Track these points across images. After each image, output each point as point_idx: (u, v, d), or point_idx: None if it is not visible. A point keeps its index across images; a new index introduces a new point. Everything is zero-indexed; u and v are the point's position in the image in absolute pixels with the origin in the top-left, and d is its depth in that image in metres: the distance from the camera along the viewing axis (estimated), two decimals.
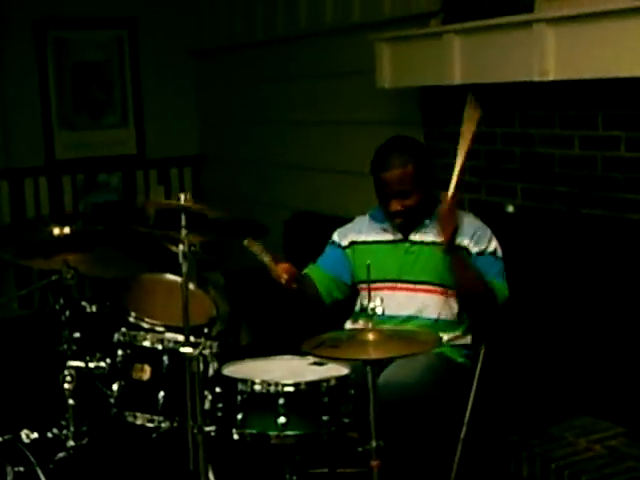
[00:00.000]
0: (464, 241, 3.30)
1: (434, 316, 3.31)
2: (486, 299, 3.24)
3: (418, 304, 3.32)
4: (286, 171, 5.77)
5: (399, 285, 3.33)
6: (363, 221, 3.51)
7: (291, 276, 3.19)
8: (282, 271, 3.17)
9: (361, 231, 3.49)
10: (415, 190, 3.30)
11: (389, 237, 3.42)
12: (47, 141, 6.42)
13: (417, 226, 3.38)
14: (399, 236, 3.40)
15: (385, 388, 3.09)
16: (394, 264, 3.36)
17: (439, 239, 3.28)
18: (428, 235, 3.36)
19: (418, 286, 3.33)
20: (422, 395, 3.14)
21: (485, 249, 3.31)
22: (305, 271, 3.49)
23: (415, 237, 3.38)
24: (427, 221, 3.37)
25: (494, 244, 3.34)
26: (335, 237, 3.55)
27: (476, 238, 3.32)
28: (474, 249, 3.30)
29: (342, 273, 3.50)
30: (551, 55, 3.51)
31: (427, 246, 3.34)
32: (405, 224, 3.38)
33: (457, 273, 3.22)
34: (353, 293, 3.51)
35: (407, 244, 3.38)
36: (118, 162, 6.59)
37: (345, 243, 3.51)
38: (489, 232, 3.38)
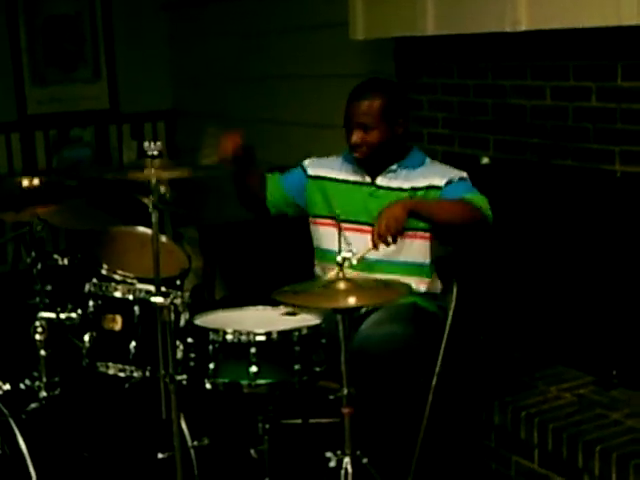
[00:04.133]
0: (432, 181, 3.31)
1: (401, 259, 3.32)
2: (473, 214, 3.19)
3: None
4: (261, 125, 5.73)
5: (364, 227, 3.28)
6: (337, 160, 3.52)
7: (227, 151, 3.35)
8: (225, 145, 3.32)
9: (332, 168, 3.49)
10: (378, 126, 3.29)
11: (356, 178, 3.43)
12: (19, 96, 6.35)
13: (384, 170, 3.38)
14: (366, 179, 3.41)
15: (369, 340, 3.13)
16: (358, 205, 3.36)
17: (405, 184, 3.31)
18: (394, 180, 3.36)
19: None
20: (405, 346, 3.18)
21: (452, 177, 3.31)
22: (267, 176, 3.57)
23: (382, 182, 3.38)
24: (394, 166, 3.37)
25: (460, 171, 3.34)
26: (306, 162, 3.57)
27: (442, 173, 3.33)
28: (442, 182, 3.29)
29: (297, 195, 3.54)
30: (523, 5, 3.51)
31: (393, 191, 3.34)
32: (367, 163, 3.37)
33: (432, 217, 3.17)
34: (304, 221, 3.54)
35: (373, 188, 3.38)
36: (91, 117, 6.54)
37: (312, 173, 3.52)
38: (449, 167, 3.40)
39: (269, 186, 3.56)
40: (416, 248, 3.33)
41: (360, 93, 3.35)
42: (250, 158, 3.47)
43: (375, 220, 3.05)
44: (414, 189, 3.32)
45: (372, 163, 3.38)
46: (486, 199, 3.25)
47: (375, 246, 3.01)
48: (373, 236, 3.01)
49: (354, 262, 2.78)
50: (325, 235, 3.44)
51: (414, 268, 3.33)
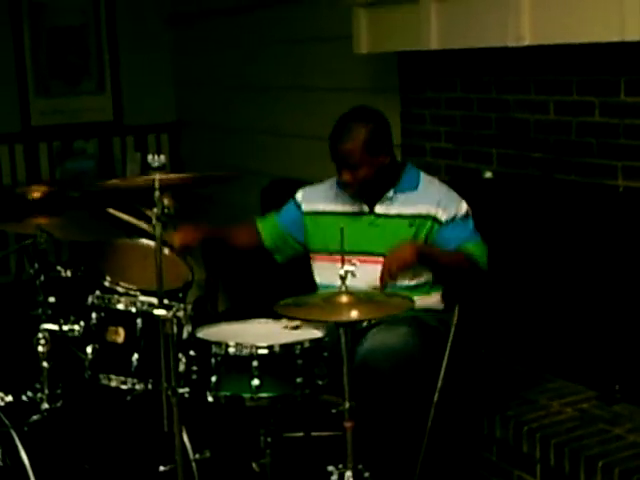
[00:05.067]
0: (431, 210, 3.31)
1: (404, 284, 3.31)
2: (471, 269, 3.25)
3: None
4: (264, 138, 5.76)
5: (366, 258, 3.25)
6: (331, 186, 3.49)
7: (185, 242, 3.31)
8: (177, 237, 3.27)
9: (327, 199, 3.47)
10: (365, 163, 3.28)
11: (353, 209, 3.41)
12: (23, 108, 6.37)
13: (381, 197, 3.37)
14: (364, 208, 3.40)
15: (373, 354, 3.13)
16: (358, 236, 3.31)
17: (404, 210, 3.32)
18: (392, 207, 3.36)
19: (383, 258, 3.27)
20: (408, 359, 3.18)
21: (455, 214, 3.31)
22: (259, 223, 3.59)
23: (380, 209, 3.38)
24: (391, 192, 3.36)
25: (463, 206, 3.35)
26: (299, 197, 3.56)
27: (443, 205, 3.32)
28: (443, 217, 3.30)
29: (295, 231, 3.54)
30: (526, 20, 3.51)
31: (392, 219, 3.35)
32: (362, 195, 3.38)
33: (436, 264, 3.25)
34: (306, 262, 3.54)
35: (372, 217, 3.38)
36: (95, 129, 6.55)
37: (305, 208, 3.51)
38: (455, 195, 3.38)
39: (264, 233, 3.57)
40: (415, 273, 3.33)
41: (340, 133, 3.32)
42: (214, 240, 3.57)
43: (383, 255, 3.16)
44: (413, 217, 3.32)
45: (367, 193, 3.38)
46: (485, 247, 3.30)
47: (384, 286, 3.09)
48: (383, 275, 3.08)
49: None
50: (322, 270, 3.43)
51: (416, 286, 3.33)
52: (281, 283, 4.49)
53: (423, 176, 3.43)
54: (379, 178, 3.34)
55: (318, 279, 3.47)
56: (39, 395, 3.01)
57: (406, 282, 3.29)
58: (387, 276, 3.09)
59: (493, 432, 3.52)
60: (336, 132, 3.34)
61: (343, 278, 2.74)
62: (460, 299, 3.35)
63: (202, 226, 3.51)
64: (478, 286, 3.39)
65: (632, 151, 3.42)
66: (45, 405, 3.00)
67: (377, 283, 3.15)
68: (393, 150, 3.42)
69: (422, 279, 3.34)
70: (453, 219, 3.31)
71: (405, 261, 3.11)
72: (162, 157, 2.77)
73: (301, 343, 2.84)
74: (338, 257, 2.79)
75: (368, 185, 3.34)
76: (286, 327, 2.98)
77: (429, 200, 3.33)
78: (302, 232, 3.53)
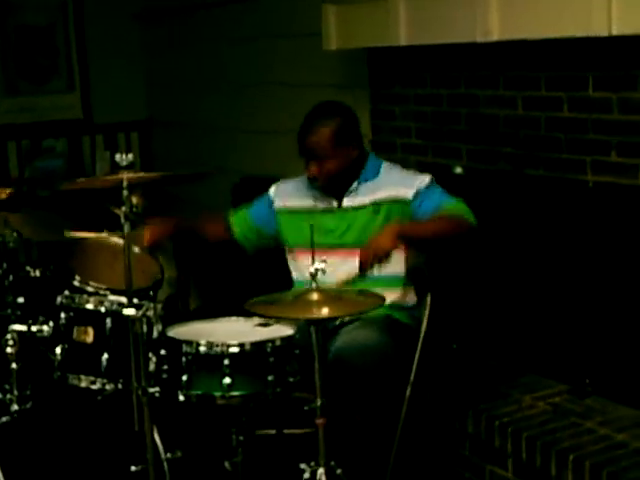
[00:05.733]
0: (392, 192, 3.31)
1: (374, 275, 3.32)
2: (459, 226, 3.21)
3: (355, 267, 3.32)
4: (234, 135, 5.74)
5: (335, 251, 3.29)
6: (303, 182, 3.48)
7: (154, 238, 3.36)
8: (146, 234, 3.31)
9: (299, 196, 3.47)
10: (332, 156, 3.29)
11: (323, 204, 3.42)
12: None
13: (346, 190, 3.38)
14: (333, 203, 3.40)
15: (346, 351, 3.12)
16: (328, 231, 3.34)
17: (366, 199, 3.33)
18: (356, 198, 3.36)
19: (354, 249, 3.27)
20: (381, 356, 3.18)
21: (419, 187, 3.31)
22: (231, 217, 3.59)
23: (347, 203, 3.38)
24: (355, 184, 3.37)
25: (425, 177, 3.35)
26: (271, 192, 3.56)
27: (404, 184, 3.32)
28: (408, 194, 3.30)
29: (267, 226, 3.55)
30: (495, 16, 3.52)
31: (357, 210, 3.35)
32: (330, 188, 3.38)
33: (420, 239, 3.23)
34: (281, 250, 3.54)
35: (340, 211, 3.38)
36: (64, 127, 6.50)
37: (277, 204, 3.52)
38: (413, 172, 3.43)
39: (235, 226, 3.58)
40: (392, 261, 3.33)
41: (308, 126, 3.33)
42: (184, 233, 3.59)
43: (354, 245, 3.18)
44: (375, 204, 3.33)
45: (336, 186, 3.38)
46: (462, 201, 3.27)
47: (363, 274, 3.08)
48: (362, 264, 3.07)
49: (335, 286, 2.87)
50: (298, 266, 3.43)
51: (388, 280, 3.33)
52: (253, 281, 4.48)
53: (384, 164, 3.44)
54: (347, 171, 3.34)
55: (294, 275, 3.48)
56: (8, 396, 2.98)
57: (376, 273, 3.29)
58: (367, 266, 3.07)
59: (465, 427, 3.53)
60: (304, 125, 3.35)
61: (314, 275, 2.73)
62: (431, 284, 3.34)
63: (170, 220, 3.51)
64: (471, 242, 3.34)
65: (600, 146, 3.44)
66: (15, 406, 2.97)
67: (350, 275, 3.14)
68: (361, 144, 3.42)
69: (394, 271, 3.33)
70: (418, 192, 3.30)
71: (384, 248, 3.07)
72: (130, 156, 2.76)
73: (272, 341, 2.84)
74: (308, 253, 2.79)
75: (336, 178, 3.34)
76: (258, 324, 2.97)
77: (389, 184, 3.34)
78: (273, 227, 3.53)
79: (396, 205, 3.31)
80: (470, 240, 3.31)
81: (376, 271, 3.13)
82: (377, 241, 3.11)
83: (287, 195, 3.52)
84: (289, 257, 3.51)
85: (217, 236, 3.62)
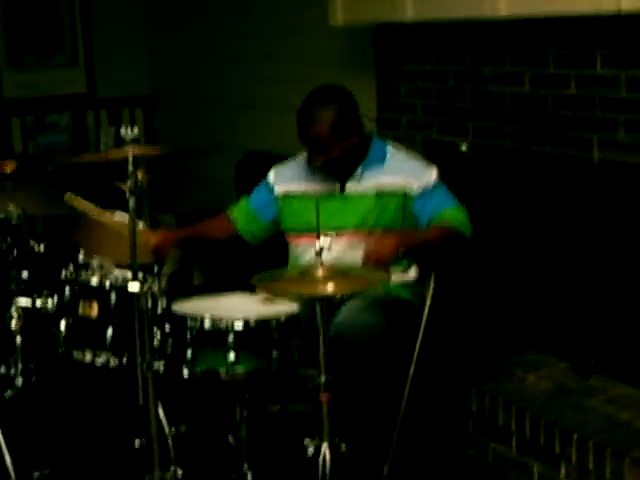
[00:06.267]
0: (399, 183, 3.31)
1: None
2: (456, 239, 3.24)
3: (358, 250, 3.28)
4: (238, 110, 5.71)
5: (340, 232, 3.28)
6: (302, 163, 3.46)
7: (160, 244, 3.30)
8: (152, 239, 3.27)
9: (299, 179, 3.45)
10: (332, 144, 3.27)
11: (325, 188, 3.40)
12: None
13: (351, 175, 3.36)
14: (336, 187, 3.39)
15: (346, 327, 3.12)
16: (330, 215, 3.29)
17: (372, 185, 3.32)
18: (360, 184, 3.36)
19: (356, 234, 3.31)
20: (381, 332, 3.18)
21: (426, 184, 3.31)
22: (232, 212, 3.56)
23: (350, 188, 3.37)
24: (359, 169, 3.36)
25: (433, 173, 3.35)
26: (271, 178, 3.54)
27: (412, 176, 3.32)
28: (414, 187, 3.30)
29: (268, 213, 3.53)
30: None
31: (361, 195, 3.34)
32: (333, 172, 3.36)
33: (419, 252, 3.25)
34: (281, 237, 3.53)
35: (343, 195, 3.37)
36: (68, 102, 6.48)
37: (277, 190, 3.50)
38: (422, 163, 3.41)
39: (238, 221, 3.56)
40: None
41: (307, 118, 3.29)
42: (191, 240, 3.57)
43: (356, 227, 3.23)
44: (379, 191, 3.32)
45: (338, 170, 3.37)
46: (465, 211, 3.29)
47: None
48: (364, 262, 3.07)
49: None
50: (300, 250, 3.42)
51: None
52: (256, 256, 4.48)
53: (390, 148, 3.42)
54: (349, 156, 3.33)
55: (296, 260, 3.45)
56: (13, 370, 2.99)
57: None
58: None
59: (469, 404, 3.53)
60: (303, 116, 3.30)
61: (319, 252, 2.73)
62: (435, 268, 3.35)
63: (177, 230, 3.56)
64: (465, 253, 3.36)
65: (607, 123, 3.42)
66: (19, 380, 2.98)
67: (352, 258, 3.17)
68: (362, 128, 3.39)
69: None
70: (424, 190, 3.30)
71: (384, 257, 3.07)
72: (135, 130, 2.75)
73: (277, 317, 2.83)
74: (314, 236, 2.77)
75: (338, 163, 3.33)
76: (263, 300, 2.97)
77: (395, 171, 3.33)
78: (274, 213, 3.52)
79: (400, 197, 3.30)
80: (462, 251, 3.35)
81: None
82: (377, 252, 3.09)
83: (287, 179, 3.50)
84: (290, 242, 3.49)
85: (223, 237, 3.61)
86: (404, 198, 3.30)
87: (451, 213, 3.27)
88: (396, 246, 3.11)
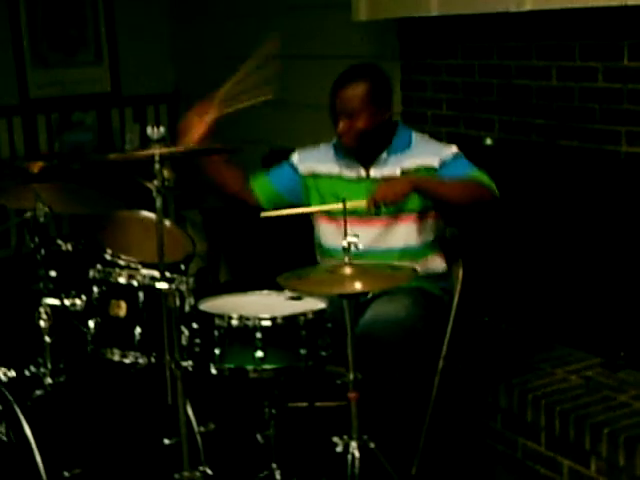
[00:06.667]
0: (424, 162, 3.30)
1: (400, 245, 3.31)
2: (480, 191, 3.19)
3: (385, 236, 3.31)
4: (264, 107, 5.69)
5: (362, 219, 3.25)
6: (327, 150, 3.47)
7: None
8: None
9: (325, 162, 3.45)
10: (364, 112, 3.26)
11: (351, 174, 3.39)
12: (20, 80, 6.31)
13: (375, 160, 3.35)
14: (362, 173, 3.38)
15: (374, 324, 3.12)
16: (356, 199, 3.26)
17: (397, 170, 3.30)
18: (385, 169, 3.34)
19: (381, 219, 3.29)
20: (410, 329, 3.16)
21: (446, 156, 3.29)
22: (253, 184, 3.51)
23: (375, 173, 3.36)
24: (384, 154, 3.35)
25: (453, 148, 3.33)
26: (294, 158, 3.53)
27: (434, 153, 3.31)
28: (435, 162, 3.29)
29: (288, 193, 3.50)
30: None
31: (387, 178, 3.31)
32: (359, 152, 3.35)
33: (438, 196, 3.19)
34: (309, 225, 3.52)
35: (368, 181, 3.35)
36: (93, 100, 6.50)
37: (303, 169, 3.48)
38: (444, 144, 3.40)
39: (257, 188, 3.51)
40: (400, 233, 3.32)
41: (343, 81, 3.31)
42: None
43: (389, 215, 3.16)
44: (404, 172, 3.31)
45: (363, 152, 3.35)
46: (485, 173, 3.24)
47: (368, 208, 3.06)
48: (368, 199, 3.06)
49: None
50: (324, 232, 3.42)
51: (402, 253, 3.31)
52: (281, 255, 4.48)
53: (415, 135, 3.41)
54: (375, 134, 3.31)
55: (322, 240, 3.46)
56: (42, 370, 2.99)
57: (401, 244, 3.29)
58: (371, 202, 3.07)
59: (497, 400, 3.51)
60: (338, 80, 3.33)
61: (347, 249, 2.72)
62: (462, 255, 3.33)
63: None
64: (492, 212, 3.31)
65: (636, 116, 3.39)
66: (48, 380, 2.98)
67: (378, 244, 3.21)
68: (392, 108, 3.38)
69: (404, 243, 3.32)
70: (444, 161, 3.29)
71: (395, 192, 3.07)
72: (162, 129, 2.74)
73: (304, 314, 2.82)
74: (340, 220, 2.80)
75: (365, 138, 3.30)
76: (290, 298, 2.96)
77: (417, 154, 3.32)
78: (299, 194, 3.50)
79: (423, 172, 3.29)
80: (492, 211, 3.27)
81: (375, 236, 3.18)
82: (390, 185, 3.09)
83: (313, 161, 3.49)
84: (316, 222, 3.48)
85: (234, 189, 3.51)
86: (427, 172, 3.29)
87: (474, 175, 3.24)
88: (409, 186, 3.09)
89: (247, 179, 3.54)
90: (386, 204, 3.08)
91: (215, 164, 3.48)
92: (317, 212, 3.43)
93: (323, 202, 3.39)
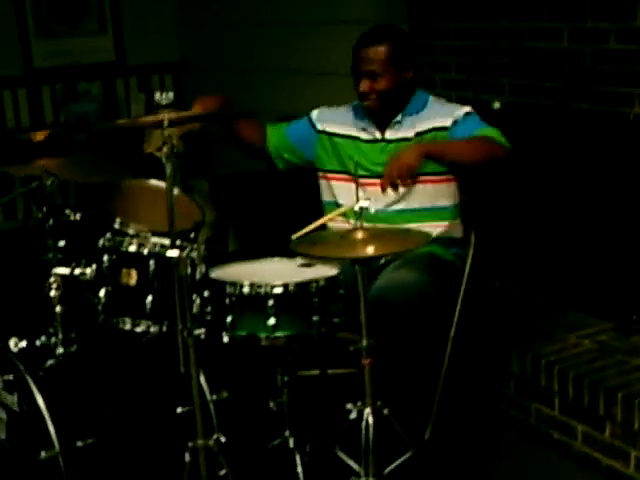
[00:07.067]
0: (435, 123, 3.28)
1: (416, 206, 3.30)
2: (492, 148, 3.14)
3: (404, 196, 3.28)
4: (270, 74, 5.66)
5: (376, 180, 3.17)
6: (347, 111, 3.45)
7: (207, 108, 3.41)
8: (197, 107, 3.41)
9: (343, 123, 3.43)
10: (386, 72, 3.25)
11: (367, 136, 3.38)
12: (24, 50, 6.26)
13: (390, 122, 3.33)
14: (377, 135, 3.36)
15: (387, 289, 3.10)
16: (371, 161, 3.32)
17: (411, 132, 3.28)
18: (400, 131, 3.32)
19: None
20: (422, 294, 3.14)
21: (458, 115, 3.27)
22: (269, 128, 3.53)
23: (390, 135, 3.34)
24: (399, 116, 3.33)
25: (465, 107, 3.30)
26: (314, 115, 3.52)
27: (446, 114, 3.29)
28: (447, 122, 3.26)
29: (303, 147, 3.50)
30: None
31: (400, 143, 3.30)
32: (377, 114, 3.32)
33: (448, 159, 3.15)
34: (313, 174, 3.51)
35: (383, 144, 3.34)
36: (98, 70, 6.45)
37: (321, 128, 3.48)
38: (457, 104, 3.37)
39: (271, 137, 3.52)
40: (426, 192, 3.29)
41: (366, 41, 3.29)
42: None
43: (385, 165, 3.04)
44: (418, 134, 3.29)
45: (381, 114, 3.34)
46: (498, 130, 3.21)
47: (384, 190, 2.99)
48: (383, 181, 2.99)
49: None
50: (339, 190, 3.40)
51: (427, 213, 3.29)
52: (290, 221, 4.45)
53: (431, 98, 3.39)
54: (397, 95, 3.29)
55: (325, 198, 3.46)
56: (53, 340, 2.97)
57: (428, 204, 3.28)
58: (387, 182, 2.97)
59: (510, 366, 3.50)
60: (361, 39, 3.31)
61: (359, 214, 2.70)
62: (474, 221, 3.30)
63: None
64: (505, 166, 3.26)
65: None
66: (60, 349, 2.96)
67: (397, 205, 3.22)
68: (416, 70, 3.36)
69: (430, 203, 3.30)
70: (457, 120, 3.26)
71: (407, 165, 2.97)
72: (170, 94, 2.71)
73: (316, 281, 2.81)
74: (351, 179, 2.81)
75: (386, 98, 3.28)
76: (301, 265, 2.94)
77: (431, 116, 3.31)
78: (311, 150, 3.50)
79: (437, 134, 3.27)
80: (504, 166, 3.21)
81: (401, 189, 3.05)
82: (401, 158, 3.01)
83: (331, 120, 3.48)
84: (322, 181, 3.48)
85: (251, 139, 3.53)
86: (440, 133, 3.26)
87: (485, 131, 3.20)
88: (419, 154, 3.02)
89: (263, 125, 3.56)
90: (402, 179, 2.99)
91: (242, 122, 3.53)
92: (333, 173, 3.42)
93: (338, 162, 3.38)
